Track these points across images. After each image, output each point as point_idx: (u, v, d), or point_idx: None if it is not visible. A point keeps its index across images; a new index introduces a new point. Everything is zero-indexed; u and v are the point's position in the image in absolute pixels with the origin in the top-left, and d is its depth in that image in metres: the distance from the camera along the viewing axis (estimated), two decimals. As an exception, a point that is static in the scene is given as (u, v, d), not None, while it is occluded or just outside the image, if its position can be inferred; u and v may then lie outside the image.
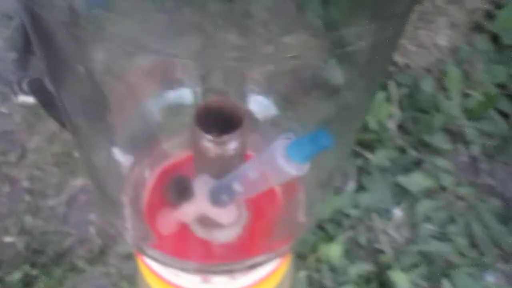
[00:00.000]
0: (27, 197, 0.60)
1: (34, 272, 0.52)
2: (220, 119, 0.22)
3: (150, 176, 0.29)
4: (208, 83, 0.23)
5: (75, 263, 0.54)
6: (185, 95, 0.26)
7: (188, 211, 0.26)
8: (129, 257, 0.55)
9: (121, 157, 0.28)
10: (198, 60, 0.16)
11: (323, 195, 0.26)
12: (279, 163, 0.17)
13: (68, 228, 0.57)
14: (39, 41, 0.17)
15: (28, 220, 0.58)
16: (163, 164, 0.30)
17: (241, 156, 0.24)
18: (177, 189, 0.28)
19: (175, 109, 0.27)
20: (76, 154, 0.65)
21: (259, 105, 0.26)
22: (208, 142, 0.22)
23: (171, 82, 0.25)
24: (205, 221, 0.26)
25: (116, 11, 0.13)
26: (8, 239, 0.56)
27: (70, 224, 0.58)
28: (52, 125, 0.67)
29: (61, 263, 0.54)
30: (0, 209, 0.59)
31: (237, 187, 0.20)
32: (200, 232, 0.27)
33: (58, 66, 0.19)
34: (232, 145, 0.22)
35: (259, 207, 0.27)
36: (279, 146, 0.17)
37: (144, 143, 0.29)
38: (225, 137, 0.22)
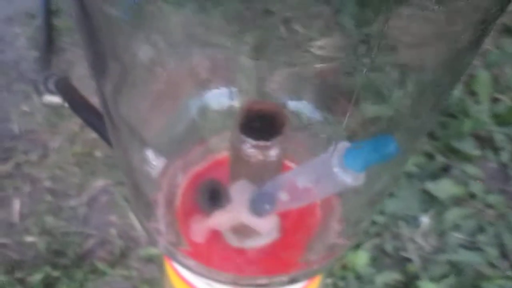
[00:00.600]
0: (48, 197, 0.60)
1: (55, 273, 0.51)
2: (263, 124, 0.21)
3: (183, 180, 0.28)
4: (253, 85, 0.22)
5: (96, 265, 0.53)
6: (223, 96, 0.25)
7: (223, 219, 0.24)
8: (151, 260, 0.54)
9: (154, 158, 0.27)
10: (256, 59, 0.15)
11: (368, 213, 0.24)
12: (335, 171, 0.16)
13: (89, 229, 0.57)
14: (87, 33, 0.16)
15: (49, 220, 0.57)
16: (196, 168, 0.29)
17: (280, 163, 0.22)
18: (210, 194, 0.27)
19: (211, 110, 0.26)
20: (98, 154, 0.64)
21: (300, 109, 0.25)
22: (250, 148, 0.21)
23: (209, 82, 0.24)
24: (240, 229, 0.25)
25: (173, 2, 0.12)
26: (29, 239, 0.56)
27: (91, 225, 0.57)
28: (73, 125, 0.67)
29: (82, 265, 0.53)
30: (21, 209, 0.59)
31: (283, 196, 0.19)
32: (233, 240, 0.26)
33: (105, 59, 0.18)
34: (274, 151, 0.21)
35: (296, 220, 0.26)
36: (335, 153, 0.16)
37: (178, 144, 0.28)
38: (269, 142, 0.21)
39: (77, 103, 0.34)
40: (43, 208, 0.59)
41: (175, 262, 0.27)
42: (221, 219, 0.25)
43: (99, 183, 0.61)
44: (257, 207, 0.21)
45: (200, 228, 0.27)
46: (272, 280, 0.24)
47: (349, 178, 0.16)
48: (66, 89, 0.35)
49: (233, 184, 0.23)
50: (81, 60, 0.72)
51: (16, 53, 0.76)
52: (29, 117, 0.69)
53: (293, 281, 0.23)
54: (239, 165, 0.23)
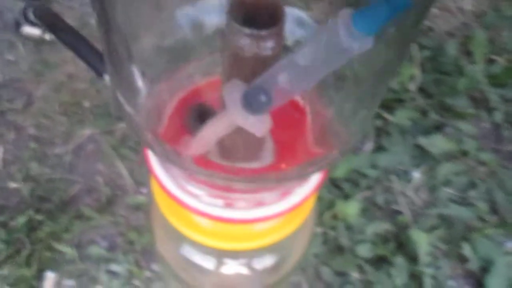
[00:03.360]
0: (33, 144, 0.58)
1: (39, 217, 0.50)
2: (256, 15, 0.19)
3: (170, 103, 0.27)
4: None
5: (82, 211, 0.52)
6: (216, 10, 0.23)
7: (215, 126, 0.23)
8: (138, 208, 0.53)
9: (140, 77, 0.25)
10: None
11: (364, 107, 0.23)
12: (341, 36, 0.15)
13: (74, 177, 0.55)
14: None
15: (34, 166, 0.55)
16: (183, 90, 0.27)
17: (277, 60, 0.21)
18: (199, 116, 0.26)
19: (200, 26, 0.24)
20: (86, 104, 0.62)
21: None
22: (244, 38, 0.19)
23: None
24: (229, 149, 0.24)
25: None
26: (13, 185, 0.54)
27: (77, 173, 0.56)
28: (60, 75, 0.65)
29: (67, 210, 0.52)
30: (5, 156, 0.57)
31: (282, 78, 0.18)
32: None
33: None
34: (270, 43, 0.20)
35: (284, 119, 0.25)
36: (341, 17, 0.15)
37: (166, 64, 0.26)
38: (264, 32, 0.19)
39: (60, 30, 0.32)
40: (28, 155, 0.57)
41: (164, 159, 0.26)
42: (212, 128, 0.23)
43: (86, 132, 0.59)
44: (252, 100, 0.20)
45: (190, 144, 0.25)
46: (266, 178, 0.23)
47: (356, 43, 0.15)
48: (47, 17, 0.33)
49: (226, 85, 0.22)
50: None
51: (0, 3, 0.73)
52: (13, 66, 0.67)
53: (289, 177, 0.22)
54: (232, 63, 0.21)
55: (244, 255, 0.31)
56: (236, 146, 0.24)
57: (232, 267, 0.32)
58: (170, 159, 0.21)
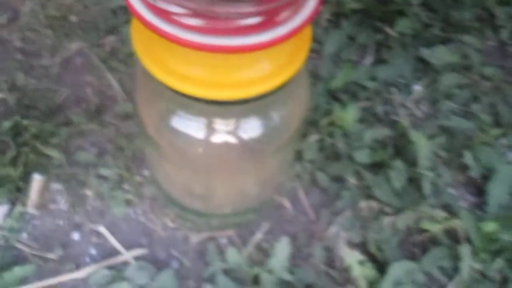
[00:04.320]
0: (19, 56, 0.56)
1: (25, 122, 0.48)
2: None
3: None
4: None
5: (70, 118, 0.50)
6: None
7: None
8: (128, 117, 0.51)
9: None
10: None
11: None
12: None
13: (62, 88, 0.53)
14: None
15: (20, 77, 0.53)
16: None
17: None
18: None
19: None
20: (73, 18, 0.60)
21: None
22: None
23: None
24: None
25: None
26: (-2, 95, 0.52)
27: (64, 84, 0.54)
28: (46, -9, 0.62)
29: (55, 117, 0.50)
30: (-10, 67, 0.55)
31: None
32: None
33: None
34: None
35: None
36: None
37: None
38: None
39: None
40: (13, 66, 0.55)
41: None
42: None
43: (74, 45, 0.57)
44: None
45: None
46: None
47: None
48: None
49: None
50: None
51: None
52: (-2, -18, 0.64)
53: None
54: None
55: (232, 114, 0.29)
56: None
57: (220, 135, 0.31)
58: None
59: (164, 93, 0.29)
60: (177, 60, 0.26)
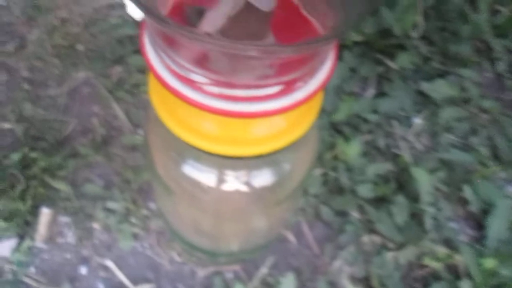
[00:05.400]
0: (26, 86, 0.56)
1: (33, 155, 0.49)
2: None
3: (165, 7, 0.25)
4: None
5: (77, 149, 0.51)
6: None
7: (221, 8, 0.22)
8: (134, 149, 0.52)
9: None
10: None
11: None
12: None
13: (69, 118, 0.54)
14: None
15: (27, 107, 0.54)
16: None
17: None
18: (198, 13, 0.25)
19: None
20: (80, 47, 0.61)
21: None
22: None
23: None
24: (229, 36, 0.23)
25: None
26: (6, 125, 0.53)
27: (71, 114, 0.54)
28: (53, 19, 0.63)
29: (62, 149, 0.51)
30: (-3, 97, 0.56)
31: None
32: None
33: None
34: None
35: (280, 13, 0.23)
36: None
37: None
38: None
39: None
40: (21, 96, 0.55)
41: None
42: (219, 10, 0.22)
43: (81, 75, 0.58)
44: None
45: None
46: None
47: None
48: None
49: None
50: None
51: None
52: (5, 10, 0.65)
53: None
54: None
55: (245, 166, 0.30)
56: (239, 31, 0.23)
57: (232, 184, 0.31)
58: (184, 30, 0.20)
59: (176, 141, 0.30)
60: (191, 115, 0.27)
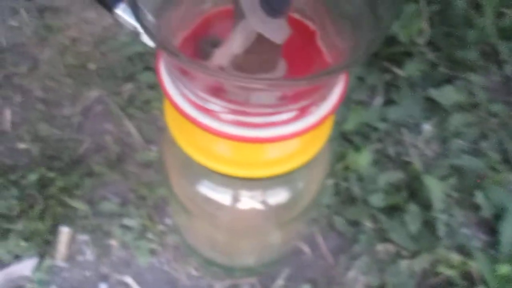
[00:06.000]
0: (40, 106, 0.58)
1: (51, 175, 0.50)
2: None
3: (178, 37, 0.26)
4: None
5: (92, 168, 0.52)
6: None
7: (234, 40, 0.23)
8: (148, 165, 0.53)
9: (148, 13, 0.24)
10: None
11: None
12: None
13: (83, 137, 0.55)
14: None
15: (43, 127, 0.55)
16: (192, 24, 0.26)
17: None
18: (212, 43, 0.25)
19: None
20: (91, 66, 0.62)
21: None
22: None
23: None
24: (242, 68, 0.24)
25: None
26: (22, 145, 0.54)
27: (85, 133, 0.56)
28: (64, 39, 0.64)
29: (78, 168, 0.52)
30: (12, 118, 0.57)
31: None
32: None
33: None
34: None
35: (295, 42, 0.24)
36: None
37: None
38: None
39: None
40: (36, 116, 0.57)
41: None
42: (232, 40, 0.23)
43: (94, 93, 0.59)
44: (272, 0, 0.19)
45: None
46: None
47: None
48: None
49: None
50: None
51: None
52: (17, 31, 0.66)
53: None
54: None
55: (259, 186, 0.31)
56: (252, 61, 0.24)
57: (247, 202, 0.32)
58: (196, 64, 0.20)
59: (192, 163, 0.31)
60: (207, 140, 0.28)
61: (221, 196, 0.32)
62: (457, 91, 0.58)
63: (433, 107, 0.58)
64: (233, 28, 0.23)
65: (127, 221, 0.48)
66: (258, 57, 0.24)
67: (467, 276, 0.46)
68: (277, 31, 0.21)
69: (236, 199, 0.32)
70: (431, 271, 0.47)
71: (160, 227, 0.48)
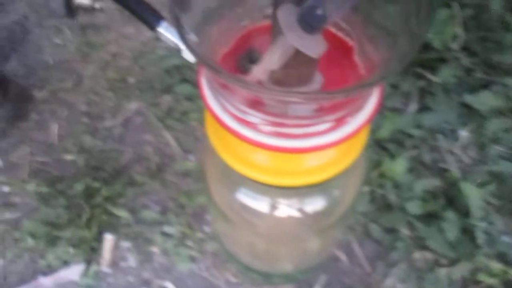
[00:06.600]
0: (85, 119, 0.61)
1: (96, 184, 0.53)
2: None
3: (221, 51, 0.27)
4: None
5: (134, 177, 0.54)
6: None
7: (273, 55, 0.24)
8: (187, 175, 0.54)
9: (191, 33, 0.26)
10: None
11: None
12: None
13: (125, 147, 0.58)
14: None
15: (87, 140, 0.58)
16: (233, 38, 0.28)
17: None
18: (250, 58, 0.27)
19: None
20: (131, 80, 0.64)
21: None
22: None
23: None
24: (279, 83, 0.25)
25: None
26: (68, 157, 0.57)
27: (126, 144, 0.58)
28: (105, 54, 0.68)
29: (120, 178, 0.54)
30: (60, 131, 0.60)
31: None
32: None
33: None
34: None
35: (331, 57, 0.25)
36: None
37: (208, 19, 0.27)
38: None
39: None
40: (80, 129, 0.60)
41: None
42: (270, 55, 0.24)
43: (133, 105, 0.62)
44: (309, 16, 0.20)
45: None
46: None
47: None
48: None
49: (278, 8, 0.22)
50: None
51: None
52: (61, 49, 0.70)
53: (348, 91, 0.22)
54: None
55: (296, 194, 0.32)
56: (289, 75, 0.25)
57: (285, 210, 0.33)
58: (236, 79, 0.22)
59: (231, 171, 0.32)
60: (246, 150, 0.29)
61: (259, 204, 0.33)
62: (494, 96, 0.57)
63: (469, 113, 0.58)
64: (271, 44, 0.24)
65: (167, 229, 0.50)
66: (295, 71, 0.25)
67: (509, 285, 0.45)
68: (313, 47, 0.22)
69: (273, 207, 0.33)
70: (471, 279, 0.46)
71: (199, 235, 0.50)
